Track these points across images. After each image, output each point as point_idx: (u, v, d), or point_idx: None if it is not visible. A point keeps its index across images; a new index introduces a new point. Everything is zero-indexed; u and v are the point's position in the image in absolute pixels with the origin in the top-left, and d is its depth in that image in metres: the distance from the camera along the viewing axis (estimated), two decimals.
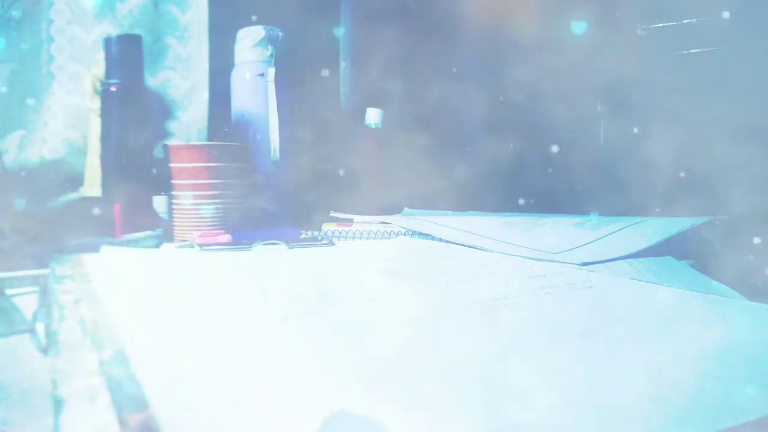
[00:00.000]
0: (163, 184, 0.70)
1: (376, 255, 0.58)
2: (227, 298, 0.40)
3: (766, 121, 0.66)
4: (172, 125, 0.89)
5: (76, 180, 0.80)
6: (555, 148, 0.83)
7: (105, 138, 0.72)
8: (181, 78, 0.89)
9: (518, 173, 0.88)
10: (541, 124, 0.86)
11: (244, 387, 0.24)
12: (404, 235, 0.71)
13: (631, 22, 0.80)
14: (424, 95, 0.93)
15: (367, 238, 0.71)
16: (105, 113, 0.72)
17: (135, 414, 0.21)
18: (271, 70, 0.79)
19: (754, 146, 0.64)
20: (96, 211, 0.69)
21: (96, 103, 0.76)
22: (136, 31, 0.83)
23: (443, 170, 0.80)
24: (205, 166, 0.67)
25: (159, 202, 0.73)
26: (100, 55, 0.76)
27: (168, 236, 0.67)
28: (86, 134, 0.80)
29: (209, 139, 0.89)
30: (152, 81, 0.87)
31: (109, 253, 0.55)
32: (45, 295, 0.42)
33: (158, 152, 0.81)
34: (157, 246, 0.64)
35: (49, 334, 0.31)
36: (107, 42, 0.73)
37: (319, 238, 0.67)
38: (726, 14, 0.70)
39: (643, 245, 0.54)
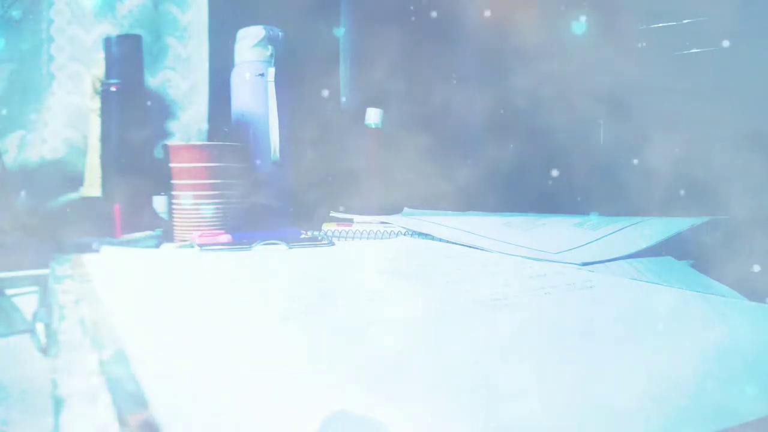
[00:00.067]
0: (163, 184, 0.70)
1: (376, 255, 0.58)
2: (227, 298, 0.40)
3: (766, 122, 0.66)
4: (172, 125, 0.89)
5: (76, 180, 0.80)
6: (555, 148, 0.83)
7: (105, 138, 0.72)
8: (181, 78, 0.89)
9: (518, 173, 0.88)
10: (540, 124, 0.86)
11: (244, 387, 0.24)
12: (404, 235, 0.71)
13: (631, 22, 0.80)
14: (424, 95, 0.93)
15: (367, 238, 0.71)
16: (105, 113, 0.72)
17: (135, 414, 0.21)
18: (271, 70, 0.79)
19: (754, 146, 0.64)
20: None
21: (96, 103, 0.76)
22: (136, 31, 0.83)
23: (443, 170, 0.80)
24: (205, 166, 0.67)
25: (159, 202, 0.73)
26: (100, 55, 0.76)
27: (168, 236, 0.67)
28: (86, 134, 0.80)
29: (209, 139, 0.89)
30: (152, 81, 0.87)
31: (109, 253, 0.55)
32: (45, 295, 0.42)
33: (158, 152, 0.81)
34: (157, 246, 0.64)
35: (49, 334, 0.31)
36: (107, 42, 0.73)
37: (319, 238, 0.67)
38: (726, 15, 0.70)
39: (643, 245, 0.54)
